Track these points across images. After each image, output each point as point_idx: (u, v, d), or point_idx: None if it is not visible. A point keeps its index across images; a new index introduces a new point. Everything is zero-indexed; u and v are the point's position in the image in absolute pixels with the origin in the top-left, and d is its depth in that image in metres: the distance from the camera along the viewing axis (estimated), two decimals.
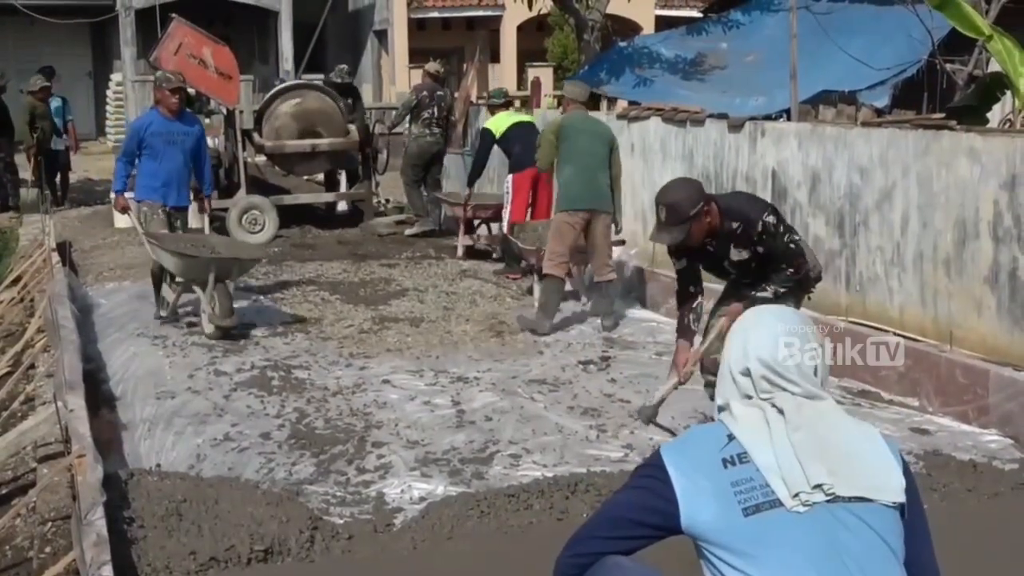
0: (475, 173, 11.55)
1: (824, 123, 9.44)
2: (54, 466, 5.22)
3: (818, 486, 2.38)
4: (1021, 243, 6.74)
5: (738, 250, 5.48)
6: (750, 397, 2.54)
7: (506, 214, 10.77)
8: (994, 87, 9.40)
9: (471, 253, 11.78)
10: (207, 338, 8.25)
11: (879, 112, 11.06)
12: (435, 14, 29.23)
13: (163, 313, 8.85)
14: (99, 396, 6.80)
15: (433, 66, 14.15)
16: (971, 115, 8.93)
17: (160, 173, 8.97)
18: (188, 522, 4.61)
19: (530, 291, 9.70)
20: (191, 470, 5.57)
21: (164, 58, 12.29)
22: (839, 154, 8.14)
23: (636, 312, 9.46)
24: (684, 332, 5.90)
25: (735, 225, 5.40)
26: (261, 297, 9.90)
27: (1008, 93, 9.14)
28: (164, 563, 4.25)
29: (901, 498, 2.44)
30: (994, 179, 6.90)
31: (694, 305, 5.85)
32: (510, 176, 10.83)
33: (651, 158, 10.80)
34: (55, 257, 10.16)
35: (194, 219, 10.29)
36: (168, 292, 8.83)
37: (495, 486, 5.32)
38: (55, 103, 16.87)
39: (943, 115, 8.47)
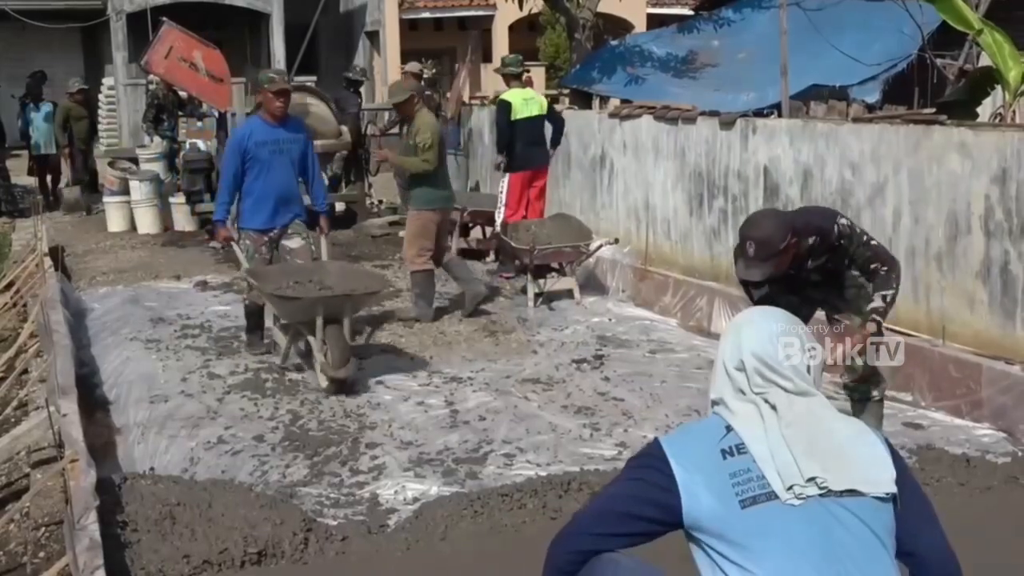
0: (503, 143, 10.80)
1: (815, 119, 9.44)
2: (47, 471, 5.22)
3: (811, 479, 2.41)
4: (1012, 237, 6.75)
5: (815, 261, 5.34)
6: (743, 392, 2.56)
7: (500, 213, 10.70)
8: (984, 82, 9.41)
9: (464, 254, 11.76)
10: (325, 392, 6.98)
11: (870, 108, 11.06)
12: (427, 14, 29.21)
13: (280, 363, 7.55)
14: (92, 400, 6.80)
15: (415, 66, 14.12)
16: (962, 110, 8.94)
17: (269, 191, 7.77)
18: (181, 525, 4.62)
19: (523, 290, 9.71)
20: (184, 473, 5.57)
21: (155, 61, 12.30)
22: (830, 150, 8.14)
23: (629, 310, 9.47)
24: None
25: (811, 240, 5.27)
26: None
27: (998, 87, 9.15)
28: (158, 567, 4.25)
29: (893, 489, 2.47)
30: (985, 174, 6.91)
31: None
32: (507, 175, 10.75)
33: (643, 156, 10.79)
34: (48, 262, 10.15)
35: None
36: (279, 336, 7.67)
37: (489, 486, 5.32)
38: (45, 108, 16.89)
39: (934, 110, 8.47)
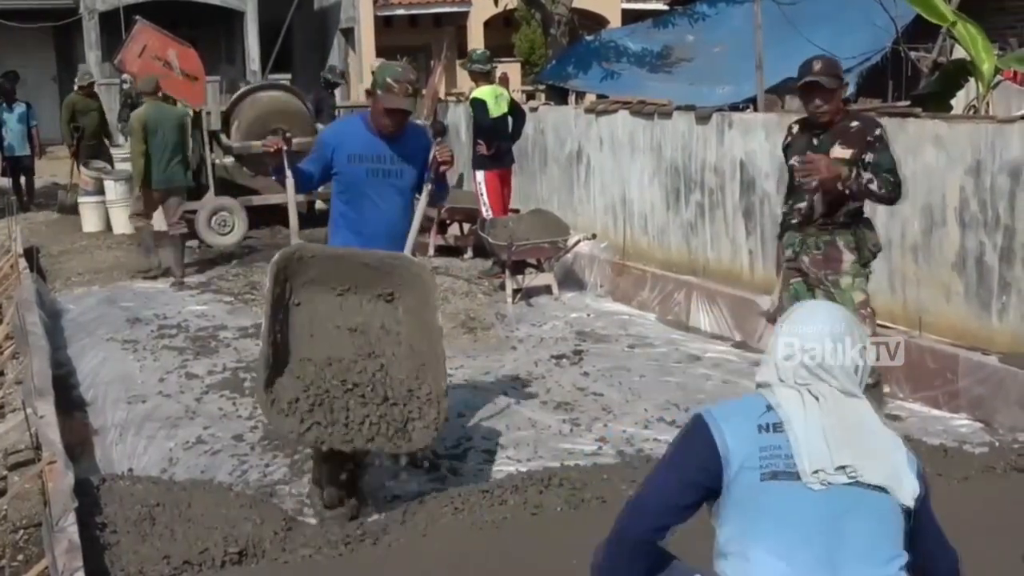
0: (486, 138, 10.60)
1: (791, 113, 9.46)
2: (25, 473, 5.20)
3: (842, 468, 2.47)
4: (987, 228, 6.80)
5: (843, 147, 5.48)
6: (789, 381, 2.63)
7: (487, 212, 10.60)
8: (958, 74, 9.46)
9: (442, 250, 11.75)
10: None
11: (845, 101, 11.09)
12: (401, 11, 29.13)
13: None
14: (69, 402, 6.75)
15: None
16: (936, 102, 8.99)
17: (363, 229, 5.44)
18: (161, 526, 4.59)
19: (501, 287, 9.70)
20: (163, 474, 5.55)
21: (128, 60, 12.21)
22: None
23: (608, 305, 9.48)
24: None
25: (854, 123, 5.53)
26: (232, 299, 9.84)
27: (972, 79, 9.20)
28: (137, 568, 4.22)
29: (910, 503, 2.53)
30: (960, 165, 6.95)
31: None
32: (482, 173, 10.69)
33: (619, 152, 10.81)
34: (23, 263, 10.09)
35: None
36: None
37: (469, 482, 5.31)
38: (19, 109, 16.68)
39: (908, 103, 8.51)
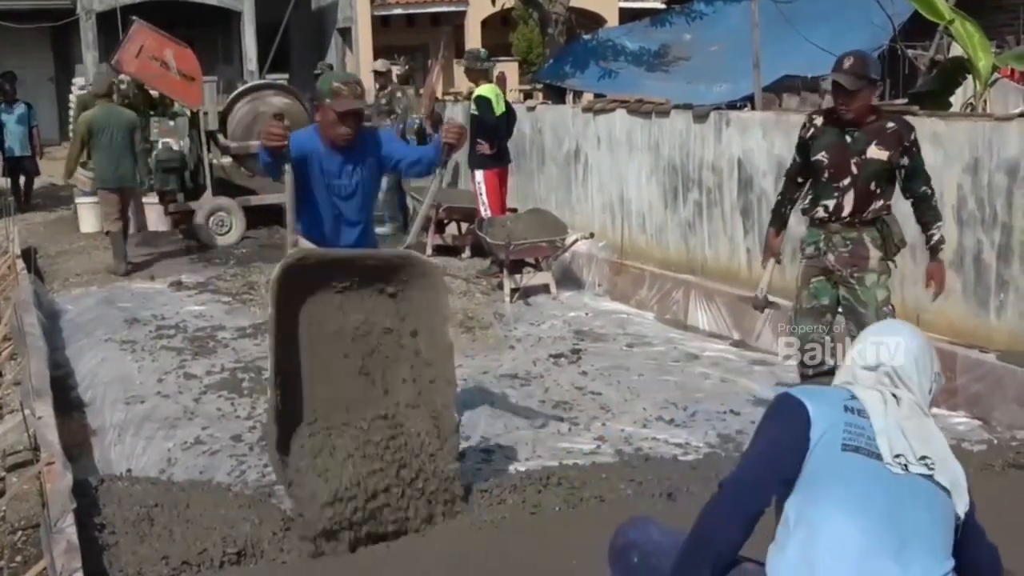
0: (492, 136, 10.52)
1: (788, 111, 9.48)
2: (23, 474, 5.19)
3: (923, 458, 2.58)
4: (985, 226, 6.80)
5: (880, 148, 5.46)
6: (870, 385, 2.76)
7: (486, 211, 10.60)
8: (955, 72, 9.46)
9: (440, 249, 11.74)
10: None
11: None
12: (399, 11, 29.12)
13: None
14: (68, 403, 6.74)
15: (384, 64, 14.08)
16: (934, 100, 8.99)
17: (326, 234, 5.35)
18: (160, 527, 4.59)
19: (499, 286, 9.69)
20: (162, 474, 5.54)
21: (125, 60, 12.22)
22: None
23: (606, 304, 9.48)
24: (777, 220, 6.06)
25: (890, 125, 5.49)
26: (230, 299, 9.84)
27: (969, 77, 9.20)
28: (136, 569, 4.22)
29: (961, 515, 2.67)
30: (958, 163, 6.95)
31: (795, 196, 5.94)
32: (481, 172, 10.67)
33: (617, 150, 10.81)
34: (20, 264, 10.08)
35: None
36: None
37: (467, 482, 5.30)
38: (19, 110, 16.62)
39: (906, 101, 8.51)
